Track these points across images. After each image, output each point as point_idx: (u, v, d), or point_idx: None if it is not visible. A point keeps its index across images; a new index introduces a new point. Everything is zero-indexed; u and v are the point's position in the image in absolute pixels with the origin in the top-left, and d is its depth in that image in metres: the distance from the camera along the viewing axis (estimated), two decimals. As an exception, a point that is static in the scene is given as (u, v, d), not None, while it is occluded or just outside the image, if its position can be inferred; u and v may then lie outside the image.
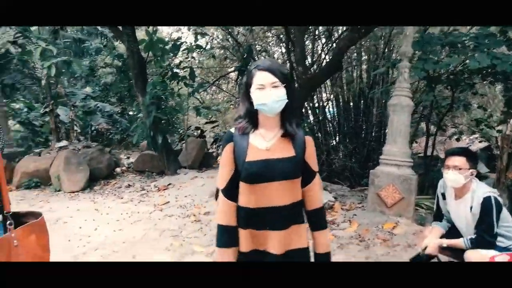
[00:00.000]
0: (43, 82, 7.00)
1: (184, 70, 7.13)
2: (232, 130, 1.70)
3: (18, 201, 6.12)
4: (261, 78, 1.57)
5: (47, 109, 9.03)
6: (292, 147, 1.63)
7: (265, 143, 1.63)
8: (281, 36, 9.98)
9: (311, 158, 1.68)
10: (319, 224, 1.73)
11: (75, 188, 6.46)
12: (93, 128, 10.28)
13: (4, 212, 1.86)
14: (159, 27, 9.48)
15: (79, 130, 9.85)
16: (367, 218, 4.84)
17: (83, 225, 4.99)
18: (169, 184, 6.61)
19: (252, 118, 1.65)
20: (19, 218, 1.97)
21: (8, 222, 1.83)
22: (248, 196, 1.62)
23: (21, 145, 9.09)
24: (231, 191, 1.65)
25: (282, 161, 1.60)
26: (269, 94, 1.56)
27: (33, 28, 7.94)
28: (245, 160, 1.60)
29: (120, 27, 6.73)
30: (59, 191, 6.57)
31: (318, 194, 1.72)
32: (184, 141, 7.97)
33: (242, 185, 1.62)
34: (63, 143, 8.06)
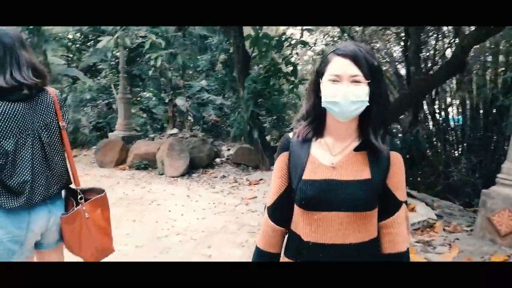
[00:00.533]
0: (150, 71, 7.53)
1: (288, 66, 7.01)
2: (290, 135, 1.33)
3: (127, 180, 6.76)
4: (339, 67, 1.16)
5: (167, 99, 9.89)
6: (367, 167, 1.20)
7: (331, 158, 1.23)
8: (401, 34, 9.18)
9: (397, 182, 1.23)
10: None
11: (175, 173, 6.88)
12: (206, 120, 10.90)
13: (76, 187, 1.98)
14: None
15: (192, 120, 10.51)
16: (472, 245, 4.08)
17: (172, 209, 5.25)
18: (261, 179, 6.59)
19: (317, 119, 1.27)
20: (83, 193, 2.10)
21: (79, 197, 1.95)
22: (301, 224, 1.25)
23: (141, 130, 10.07)
24: (278, 213, 1.33)
25: (351, 185, 1.18)
26: (344, 91, 1.14)
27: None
28: (301, 178, 1.22)
29: (229, 22, 6.89)
30: (162, 174, 7.07)
31: (402, 233, 1.26)
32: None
33: (296, 209, 1.27)
34: (174, 130, 8.67)
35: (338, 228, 1.18)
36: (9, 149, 1.72)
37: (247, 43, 6.97)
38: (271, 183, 1.36)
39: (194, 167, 7.28)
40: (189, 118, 10.39)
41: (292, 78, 6.92)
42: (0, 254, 1.73)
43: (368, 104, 1.17)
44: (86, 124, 10.56)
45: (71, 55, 13.04)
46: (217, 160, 8.01)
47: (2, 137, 1.70)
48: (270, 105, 6.77)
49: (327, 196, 1.18)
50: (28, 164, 1.78)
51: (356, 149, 1.23)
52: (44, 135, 1.85)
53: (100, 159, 7.63)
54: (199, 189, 6.27)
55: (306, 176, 1.22)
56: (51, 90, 1.95)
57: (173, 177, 6.87)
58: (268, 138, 8.58)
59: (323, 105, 1.20)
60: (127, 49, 9.70)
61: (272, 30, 10.85)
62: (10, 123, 1.72)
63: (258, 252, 1.38)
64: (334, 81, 1.17)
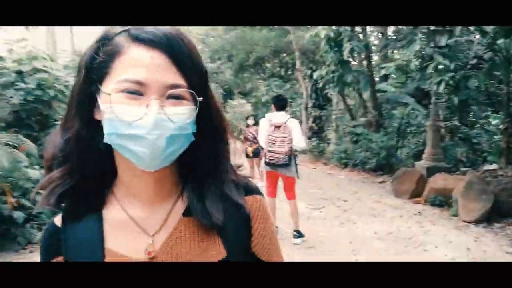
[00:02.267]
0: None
1: None
2: (56, 220, 0.75)
3: (412, 215, 6.19)
4: (143, 68, 0.63)
5: (502, 126, 8.30)
6: (216, 237, 0.72)
7: (146, 241, 0.71)
8: None
9: (267, 245, 0.78)
10: None
11: (468, 217, 5.66)
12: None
13: None
14: None
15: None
16: None
17: (439, 260, 4.39)
18: None
19: (93, 168, 0.71)
20: None
21: None
22: None
23: (455, 162, 8.84)
24: None
25: None
26: (155, 115, 0.62)
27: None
28: None
29: None
30: (455, 216, 5.99)
31: None
32: None
33: None
34: (493, 166, 7.16)
35: None
36: None
37: None
38: None
39: (500, 215, 5.74)
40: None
41: None
42: None
43: (194, 138, 0.69)
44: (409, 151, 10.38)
45: (407, 82, 13.21)
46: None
47: None
48: None
49: None
50: None
51: (186, 213, 0.73)
52: None
53: (395, 188, 7.37)
54: (492, 244, 4.90)
55: None
56: None
57: (466, 222, 5.68)
58: None
59: (106, 140, 0.65)
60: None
61: None
62: None
63: None
64: (133, 93, 0.63)
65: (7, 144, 3.80)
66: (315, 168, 11.55)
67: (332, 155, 12.05)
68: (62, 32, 8.79)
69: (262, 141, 4.75)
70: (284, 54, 17.39)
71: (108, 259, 0.70)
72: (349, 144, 11.37)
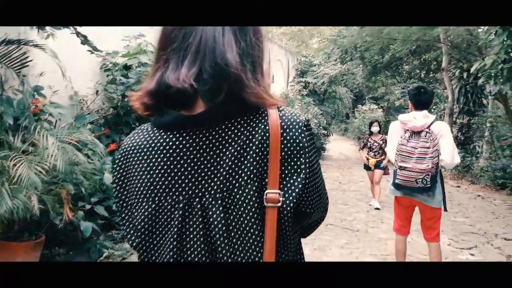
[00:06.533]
0: None
1: None
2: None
3: None
4: None
5: None
6: None
7: None
8: None
9: None
10: None
11: None
12: None
13: None
14: None
15: None
16: None
17: None
18: None
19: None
20: None
21: None
22: None
23: None
24: None
25: None
26: None
27: None
28: None
29: None
30: None
31: None
32: None
33: None
34: None
35: None
36: None
37: None
38: None
39: None
40: None
41: None
42: None
43: None
44: None
45: None
46: None
47: None
48: None
49: None
50: None
51: None
52: None
53: None
54: None
55: None
56: None
57: None
58: None
59: None
60: None
61: None
62: None
63: None
64: None
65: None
66: (458, 187, 9.49)
67: (482, 172, 9.79)
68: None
69: (392, 152, 3.32)
70: (427, 54, 15.12)
71: None
72: (508, 161, 9.03)
